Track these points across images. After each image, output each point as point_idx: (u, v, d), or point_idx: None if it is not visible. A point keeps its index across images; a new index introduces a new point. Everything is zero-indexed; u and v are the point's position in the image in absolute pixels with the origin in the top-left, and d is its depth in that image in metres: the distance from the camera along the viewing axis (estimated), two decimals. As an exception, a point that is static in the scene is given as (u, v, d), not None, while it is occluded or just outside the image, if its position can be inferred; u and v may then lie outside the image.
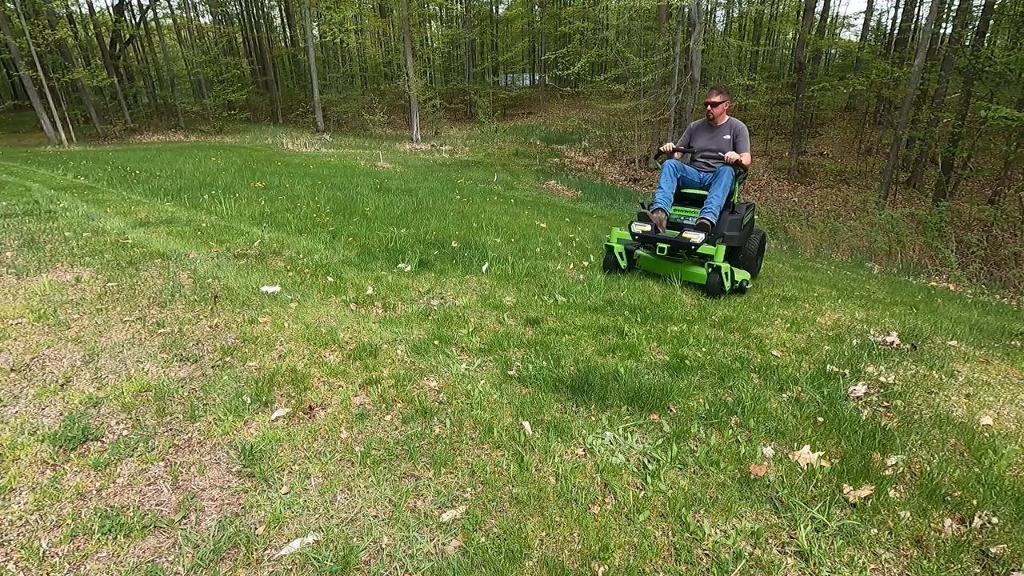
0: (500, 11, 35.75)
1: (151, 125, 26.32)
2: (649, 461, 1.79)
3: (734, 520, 1.54)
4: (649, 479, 1.70)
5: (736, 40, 21.23)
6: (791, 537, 1.49)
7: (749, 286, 3.96)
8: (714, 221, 3.78)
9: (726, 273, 3.72)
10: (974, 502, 1.60)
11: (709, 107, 4.09)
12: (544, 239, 5.43)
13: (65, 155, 14.51)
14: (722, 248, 3.71)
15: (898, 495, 1.65)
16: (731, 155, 3.92)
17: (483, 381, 2.28)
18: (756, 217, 3.78)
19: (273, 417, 1.97)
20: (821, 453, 1.82)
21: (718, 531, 1.50)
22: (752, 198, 15.96)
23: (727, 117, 4.15)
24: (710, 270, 3.72)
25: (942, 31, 18.73)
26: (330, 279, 3.57)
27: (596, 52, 20.21)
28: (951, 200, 13.23)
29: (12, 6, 19.75)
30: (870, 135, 19.97)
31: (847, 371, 2.50)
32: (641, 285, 3.89)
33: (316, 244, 4.50)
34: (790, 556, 1.43)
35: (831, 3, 51.71)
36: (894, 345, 2.86)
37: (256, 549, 1.40)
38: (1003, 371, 2.60)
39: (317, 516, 1.52)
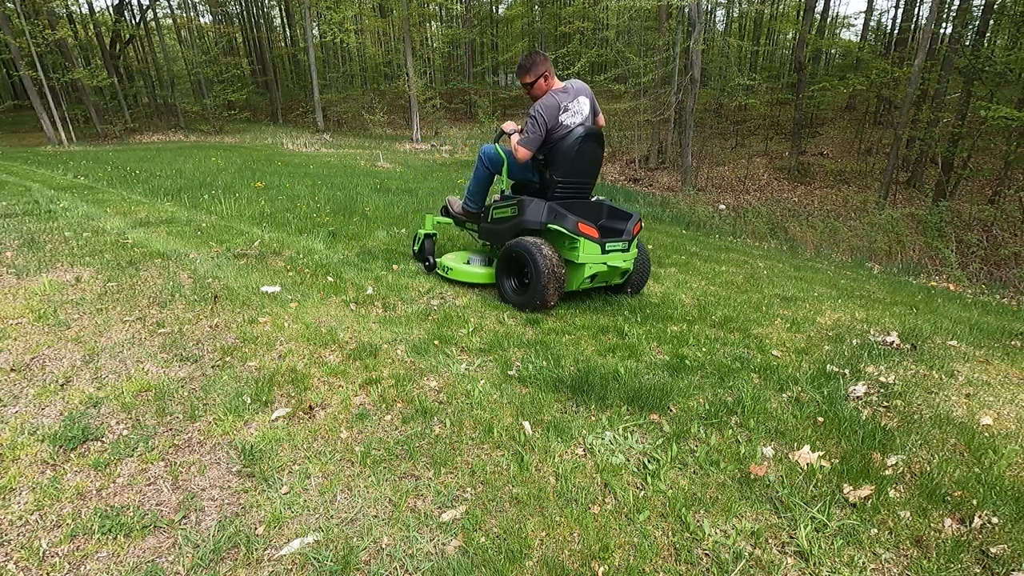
0: (500, 11, 35.72)
1: (151, 125, 26.33)
2: (649, 461, 1.79)
3: (734, 520, 1.54)
4: (649, 479, 1.70)
5: (736, 40, 21.24)
6: (791, 537, 1.49)
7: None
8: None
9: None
10: (974, 502, 1.60)
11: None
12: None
13: (65, 155, 14.51)
14: (431, 218, 4.07)
15: (898, 495, 1.65)
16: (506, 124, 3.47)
17: (483, 381, 2.28)
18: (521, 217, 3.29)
19: (273, 417, 1.97)
20: (821, 453, 1.82)
21: (718, 531, 1.50)
22: (752, 198, 15.96)
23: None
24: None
25: (942, 31, 18.73)
26: (330, 279, 3.57)
27: (596, 52, 20.23)
28: (951, 200, 13.23)
29: (12, 6, 19.75)
30: (870, 135, 19.96)
31: (847, 371, 2.50)
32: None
33: (316, 244, 4.49)
34: (790, 556, 1.43)
35: (831, 3, 51.80)
36: (894, 345, 2.86)
37: (256, 549, 1.40)
38: (1003, 371, 2.60)
39: (317, 516, 1.52)
